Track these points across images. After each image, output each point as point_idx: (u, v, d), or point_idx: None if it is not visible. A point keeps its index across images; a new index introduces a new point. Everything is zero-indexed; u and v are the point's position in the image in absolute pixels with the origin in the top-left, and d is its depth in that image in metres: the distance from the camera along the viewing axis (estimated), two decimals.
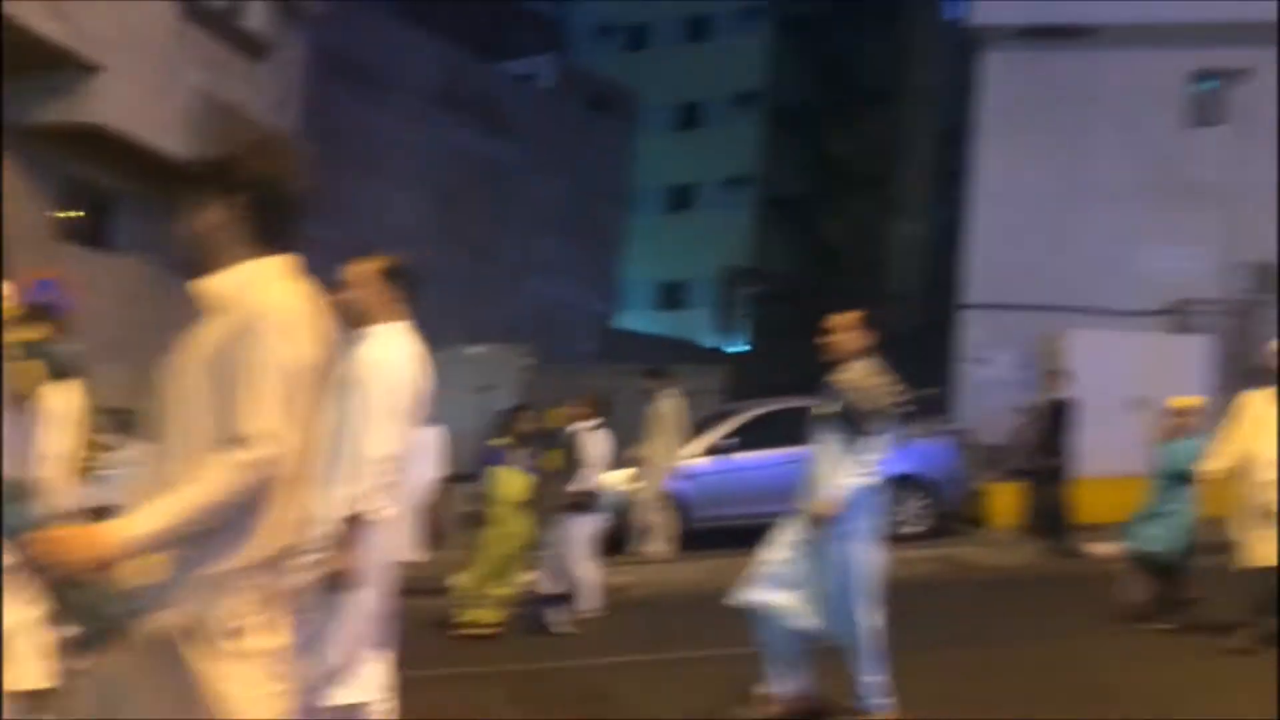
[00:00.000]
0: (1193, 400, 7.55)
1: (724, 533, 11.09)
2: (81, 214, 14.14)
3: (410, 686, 6.09)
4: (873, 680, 4.79)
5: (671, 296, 32.07)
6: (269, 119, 15.64)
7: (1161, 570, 7.15)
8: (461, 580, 7.74)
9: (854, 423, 4.76)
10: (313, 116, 17.46)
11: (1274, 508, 6.42)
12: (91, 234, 14.26)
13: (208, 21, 14.28)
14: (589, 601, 8.04)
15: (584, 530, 8.07)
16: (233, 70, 15.07)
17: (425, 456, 10.34)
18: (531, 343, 15.77)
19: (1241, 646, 6.39)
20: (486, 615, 7.54)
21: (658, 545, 10.95)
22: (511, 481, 7.72)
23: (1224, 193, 17.59)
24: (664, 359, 20.69)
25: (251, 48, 15.41)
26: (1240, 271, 17.37)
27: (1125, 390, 11.97)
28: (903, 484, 11.57)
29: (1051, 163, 18.42)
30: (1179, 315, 17.04)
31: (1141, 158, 18.08)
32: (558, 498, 7.92)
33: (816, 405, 5.03)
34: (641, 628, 8.39)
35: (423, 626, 7.89)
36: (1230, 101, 18.15)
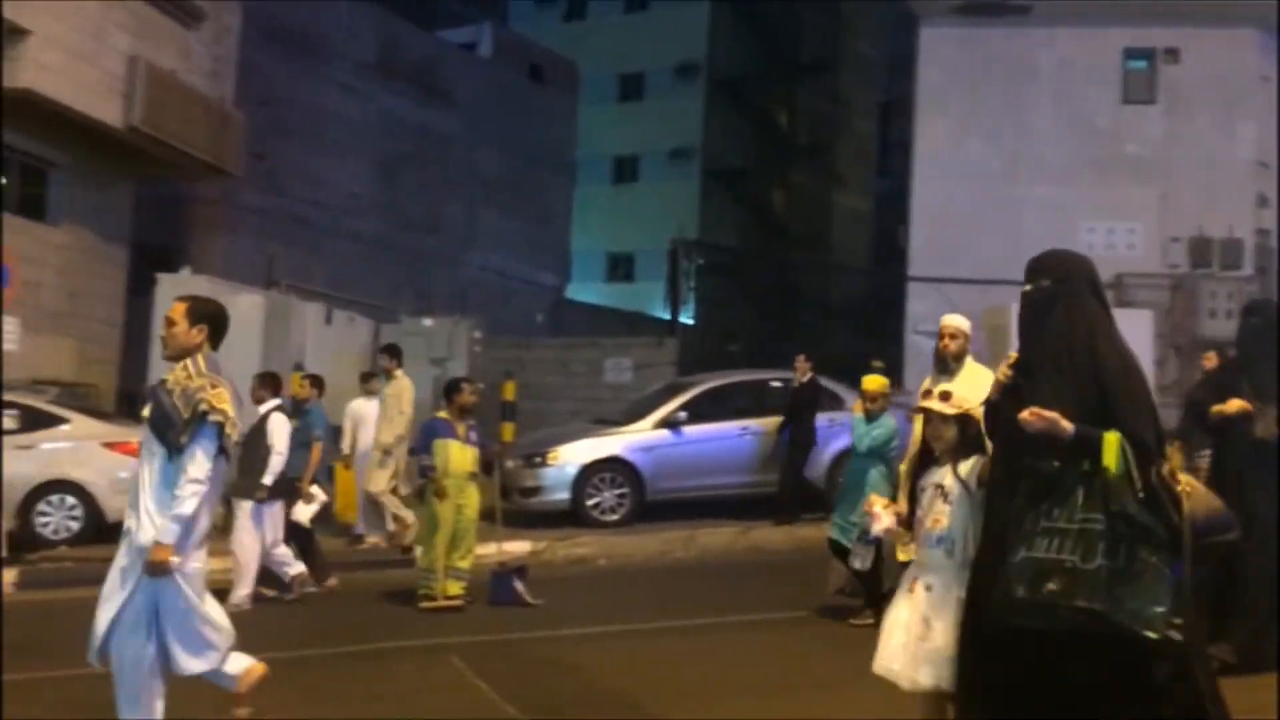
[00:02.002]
0: (881, 382, 7.41)
1: (678, 505, 11.18)
2: (16, 184, 13.73)
3: (377, 657, 6.07)
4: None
5: (620, 268, 31.99)
6: (204, 88, 15.27)
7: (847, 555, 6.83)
8: (421, 554, 7.73)
9: (168, 430, 4.28)
10: (249, 86, 17.06)
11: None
12: (27, 204, 13.83)
13: None
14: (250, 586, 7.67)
15: (273, 516, 7.84)
16: (166, 37, 14.66)
17: (367, 429, 10.26)
18: (480, 315, 15.64)
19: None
20: (450, 588, 7.54)
21: (397, 530, 9.81)
22: (460, 454, 7.70)
23: (1158, 169, 18.01)
24: (616, 331, 20.66)
25: (185, 14, 15.01)
26: (1175, 246, 17.86)
27: None
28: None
29: (991, 138, 18.67)
30: (1116, 289, 17.45)
31: (1078, 134, 18.41)
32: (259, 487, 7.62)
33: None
34: (605, 599, 8.46)
35: (389, 599, 7.92)
36: (1161, 79, 18.53)
